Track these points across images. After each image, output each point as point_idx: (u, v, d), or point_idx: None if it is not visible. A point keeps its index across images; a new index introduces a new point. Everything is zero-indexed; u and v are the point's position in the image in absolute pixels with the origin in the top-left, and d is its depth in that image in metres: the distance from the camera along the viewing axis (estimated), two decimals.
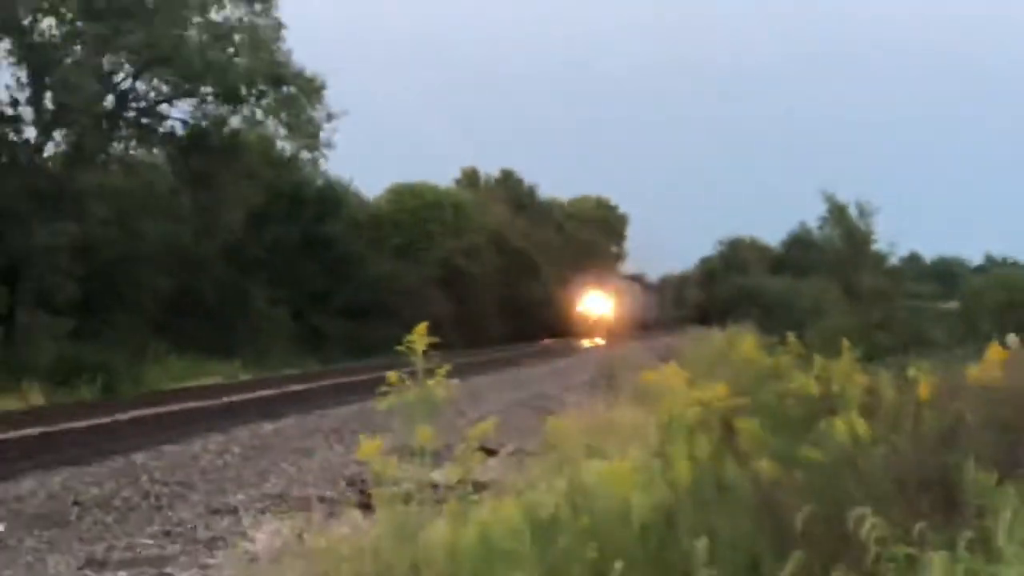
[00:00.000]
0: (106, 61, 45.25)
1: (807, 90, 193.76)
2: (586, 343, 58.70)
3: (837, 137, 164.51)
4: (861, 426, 9.43)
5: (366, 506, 11.29)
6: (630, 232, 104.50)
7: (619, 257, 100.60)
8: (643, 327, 74.01)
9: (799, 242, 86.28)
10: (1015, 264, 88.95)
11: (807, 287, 68.94)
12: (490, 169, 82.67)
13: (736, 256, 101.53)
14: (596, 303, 73.05)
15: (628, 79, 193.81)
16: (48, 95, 44.19)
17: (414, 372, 8.85)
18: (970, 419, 10.07)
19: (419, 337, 8.90)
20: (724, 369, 15.65)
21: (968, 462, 8.52)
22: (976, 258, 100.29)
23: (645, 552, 7.62)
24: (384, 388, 8.93)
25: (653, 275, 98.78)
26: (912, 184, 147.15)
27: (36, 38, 44.15)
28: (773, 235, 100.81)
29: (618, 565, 7.22)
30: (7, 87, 43.83)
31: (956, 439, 9.43)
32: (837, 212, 60.84)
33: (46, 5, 44.28)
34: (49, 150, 45.40)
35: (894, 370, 13.96)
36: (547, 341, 64.40)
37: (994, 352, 12.21)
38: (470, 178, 79.44)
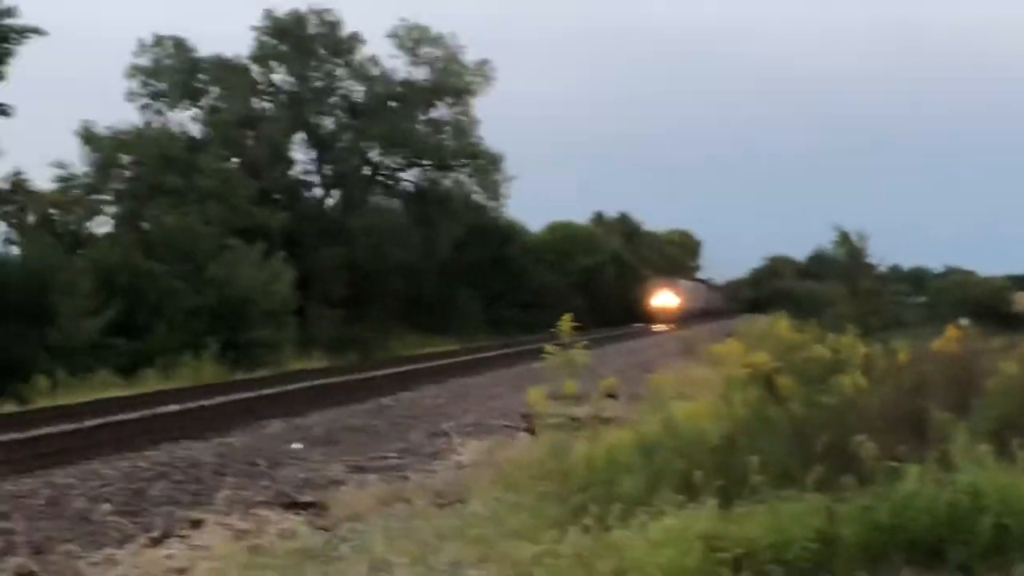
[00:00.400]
0: (363, 144, 46.40)
1: (823, 149, 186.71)
2: (663, 327, 57.76)
3: (844, 177, 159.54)
4: (860, 381, 9.24)
5: (532, 432, 11.34)
6: (704, 251, 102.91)
7: (696, 269, 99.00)
8: (709, 316, 72.76)
9: (818, 258, 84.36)
10: (964, 271, 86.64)
11: (823, 288, 67.40)
12: (611, 211, 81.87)
13: (775, 267, 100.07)
14: (668, 299, 71.81)
15: (709, 146, 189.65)
16: (328, 167, 45.67)
17: (563, 344, 8.88)
18: (934, 377, 9.85)
19: (565, 322, 8.94)
20: (767, 342, 15.41)
21: (933, 406, 8.34)
22: (938, 267, 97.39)
23: (715, 464, 7.54)
24: (544, 355, 9.01)
25: (720, 280, 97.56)
26: (896, 214, 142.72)
27: (319, 131, 45.52)
28: (801, 253, 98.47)
29: (698, 473, 7.17)
30: (302, 162, 45.58)
31: (925, 390, 9.22)
32: (843, 237, 59.60)
33: (325, 110, 45.67)
34: (329, 203, 46.65)
35: (881, 343, 13.67)
36: (641, 324, 63.71)
37: (951, 331, 11.95)
38: (598, 217, 78.90)
